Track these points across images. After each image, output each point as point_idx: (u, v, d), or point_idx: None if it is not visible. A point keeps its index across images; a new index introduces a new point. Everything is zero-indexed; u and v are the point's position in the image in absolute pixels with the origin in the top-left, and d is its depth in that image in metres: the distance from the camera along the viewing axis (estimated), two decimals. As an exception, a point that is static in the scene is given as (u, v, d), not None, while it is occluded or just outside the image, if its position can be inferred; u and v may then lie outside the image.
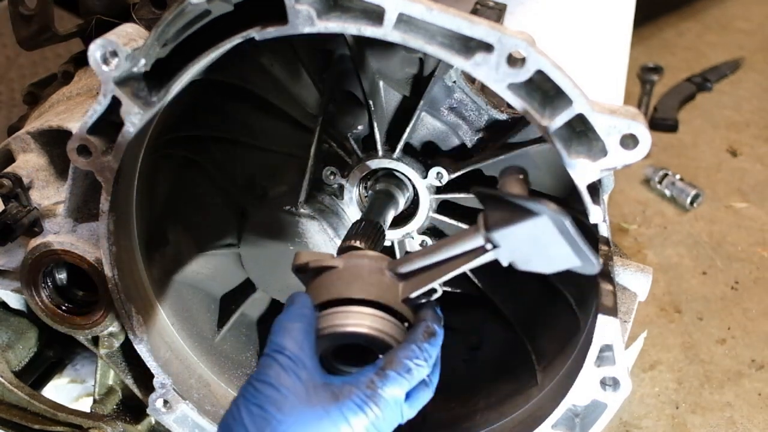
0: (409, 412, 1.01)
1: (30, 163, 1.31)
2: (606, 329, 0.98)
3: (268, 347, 0.99)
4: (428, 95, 1.30)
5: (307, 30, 0.91)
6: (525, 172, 0.99)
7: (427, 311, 1.07)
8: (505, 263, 0.99)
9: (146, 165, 1.22)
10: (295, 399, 0.94)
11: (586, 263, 0.93)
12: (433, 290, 1.08)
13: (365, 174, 1.39)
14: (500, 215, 0.95)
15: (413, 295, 1.06)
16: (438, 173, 1.33)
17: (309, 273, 1.11)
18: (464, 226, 1.40)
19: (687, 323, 1.94)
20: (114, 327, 1.33)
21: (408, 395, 1.00)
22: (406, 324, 1.06)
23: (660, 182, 2.41)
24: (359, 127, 1.40)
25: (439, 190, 1.36)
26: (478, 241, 1.00)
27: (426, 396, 1.04)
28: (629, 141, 0.89)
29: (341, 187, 1.41)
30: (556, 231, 0.90)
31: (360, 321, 1.03)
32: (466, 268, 1.03)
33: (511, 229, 0.94)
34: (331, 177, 1.41)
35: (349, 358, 1.07)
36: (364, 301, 1.04)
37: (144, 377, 1.39)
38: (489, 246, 0.99)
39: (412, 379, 0.98)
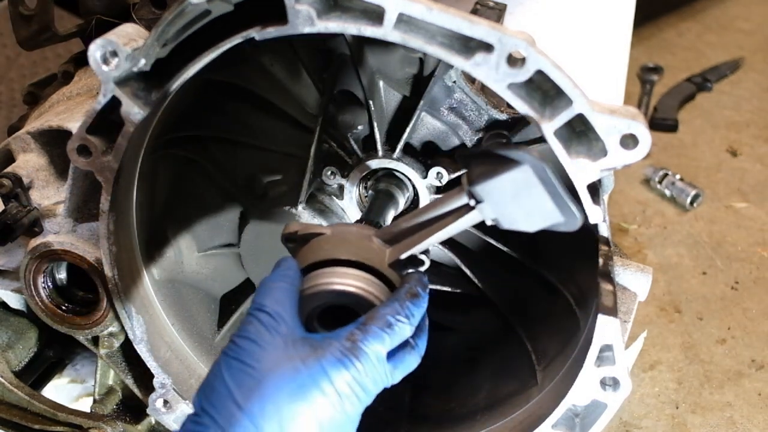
0: (396, 374, 0.99)
1: (30, 163, 1.31)
2: (606, 329, 0.98)
3: (250, 307, 0.99)
4: (428, 95, 1.30)
5: (307, 30, 0.91)
6: (508, 137, 0.99)
7: (412, 276, 1.06)
8: (489, 221, 1.00)
9: (146, 165, 1.22)
10: (273, 351, 0.94)
11: (569, 217, 0.94)
12: (421, 261, 1.09)
13: (365, 174, 1.39)
14: (483, 169, 0.96)
15: (402, 256, 1.06)
16: (438, 173, 1.33)
17: (298, 242, 1.11)
18: (464, 226, 1.40)
19: (687, 323, 1.94)
20: (114, 327, 1.33)
21: (393, 356, 0.99)
22: (393, 290, 1.06)
23: (660, 182, 2.41)
24: (359, 127, 1.40)
25: (439, 190, 1.36)
26: (462, 199, 1.01)
27: (412, 360, 1.02)
28: (629, 141, 0.89)
29: (341, 187, 1.41)
30: (538, 180, 0.91)
31: (344, 280, 1.02)
32: (452, 229, 1.04)
33: (494, 182, 0.95)
34: (331, 177, 1.41)
35: (333, 323, 1.04)
36: (349, 261, 1.04)
37: (144, 377, 1.39)
38: (472, 202, 0.99)
39: (393, 335, 0.97)
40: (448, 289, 1.49)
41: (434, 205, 1.06)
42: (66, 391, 1.71)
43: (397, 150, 1.35)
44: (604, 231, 1.06)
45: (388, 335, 0.96)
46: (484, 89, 1.31)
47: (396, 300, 1.01)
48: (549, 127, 0.90)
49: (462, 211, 1.02)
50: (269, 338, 0.95)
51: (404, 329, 0.98)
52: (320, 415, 0.92)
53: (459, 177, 1.35)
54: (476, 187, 0.97)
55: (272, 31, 0.92)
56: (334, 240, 1.08)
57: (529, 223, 0.98)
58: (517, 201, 0.95)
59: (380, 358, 0.96)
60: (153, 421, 1.51)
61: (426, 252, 1.12)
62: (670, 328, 1.93)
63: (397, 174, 1.37)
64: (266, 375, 0.92)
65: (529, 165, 0.91)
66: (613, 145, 0.89)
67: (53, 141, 1.31)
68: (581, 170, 0.92)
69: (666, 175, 2.41)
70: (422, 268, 1.10)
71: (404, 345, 1.01)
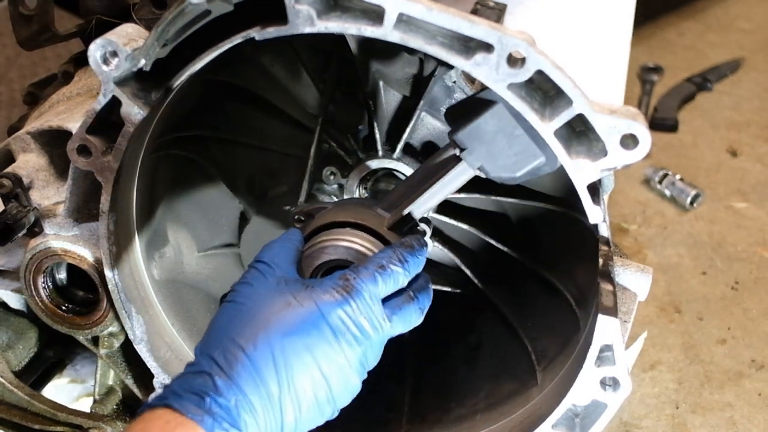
0: (395, 323, 0.99)
1: (30, 163, 1.31)
2: (606, 329, 0.98)
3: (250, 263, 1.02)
4: (428, 95, 1.30)
5: (307, 30, 0.91)
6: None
7: (409, 235, 1.08)
8: (475, 169, 1.04)
9: (146, 165, 1.22)
10: (267, 290, 0.96)
11: (548, 155, 0.97)
12: (423, 231, 1.17)
13: (365, 174, 1.39)
14: (463, 117, 1.00)
15: (405, 212, 1.10)
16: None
17: (305, 219, 1.19)
18: (465, 226, 1.40)
19: (687, 323, 1.94)
20: (114, 327, 1.33)
21: (391, 303, 0.99)
22: None
23: (660, 182, 2.40)
24: (359, 127, 1.40)
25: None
26: (449, 152, 1.06)
27: (412, 311, 1.02)
28: (629, 141, 0.89)
29: (341, 187, 1.41)
30: (511, 116, 0.96)
31: (343, 236, 1.06)
32: (444, 184, 1.08)
33: (474, 125, 0.99)
34: (331, 177, 1.41)
35: None
36: (348, 223, 1.07)
37: (144, 377, 1.39)
38: (458, 151, 1.03)
39: (386, 277, 0.97)
40: (448, 289, 1.49)
41: (426, 165, 1.11)
42: (66, 391, 1.71)
43: (397, 150, 1.35)
44: (604, 231, 1.06)
45: (381, 276, 0.97)
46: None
47: (390, 248, 1.03)
48: (549, 127, 0.90)
49: (451, 164, 1.06)
50: (263, 280, 0.98)
51: (398, 274, 0.99)
52: (315, 350, 0.91)
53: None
54: (459, 134, 1.01)
55: (272, 31, 0.92)
56: (336, 209, 1.13)
57: (513, 167, 1.01)
58: (497, 142, 0.99)
59: (373, 298, 0.96)
60: (153, 421, 1.51)
61: (427, 222, 1.20)
62: (670, 329, 1.92)
63: (397, 174, 1.37)
64: (259, 310, 0.93)
65: (502, 102, 0.95)
66: (613, 145, 0.89)
67: (53, 141, 1.31)
68: (581, 170, 0.92)
69: (666, 175, 2.41)
70: (425, 233, 1.17)
71: (402, 295, 1.02)
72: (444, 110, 1.33)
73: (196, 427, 0.83)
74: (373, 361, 0.98)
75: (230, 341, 0.91)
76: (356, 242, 1.06)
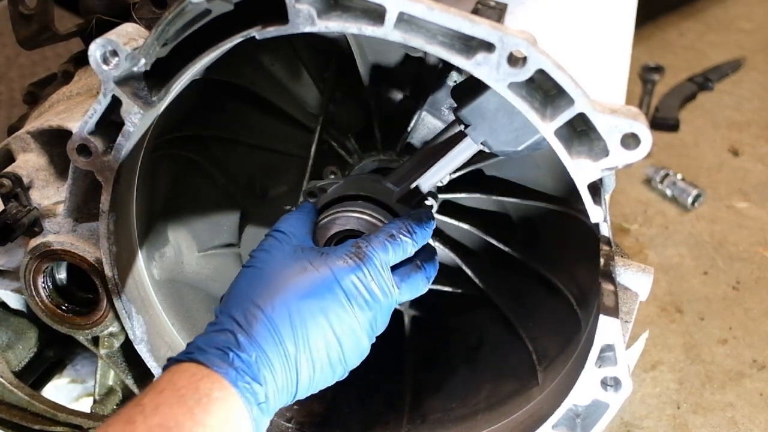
0: (402, 290, 1.06)
1: (30, 162, 1.31)
2: (607, 329, 0.98)
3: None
4: (429, 95, 1.30)
5: (307, 29, 0.90)
6: None
7: (419, 208, 1.16)
8: (479, 144, 1.09)
9: (146, 165, 1.22)
10: (284, 257, 1.02)
11: None
12: (431, 206, 1.24)
13: (366, 174, 1.39)
14: (467, 95, 1.05)
15: (413, 185, 1.17)
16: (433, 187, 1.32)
17: (318, 195, 1.27)
18: (466, 226, 1.40)
19: (688, 323, 1.94)
20: (114, 327, 1.33)
21: (399, 271, 1.06)
22: None
23: (661, 182, 2.40)
24: (360, 127, 1.40)
25: (439, 190, 1.35)
26: (455, 128, 1.13)
27: (419, 280, 1.09)
28: (630, 140, 0.89)
29: (342, 187, 1.41)
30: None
31: (355, 208, 1.13)
32: (450, 159, 1.14)
33: (476, 103, 1.04)
34: (332, 176, 1.41)
35: None
36: (359, 196, 1.16)
37: (144, 377, 1.38)
38: (462, 127, 1.09)
39: (396, 246, 1.04)
40: (449, 289, 1.49)
41: (434, 141, 1.18)
42: (66, 391, 1.71)
43: (398, 150, 1.35)
44: (605, 231, 1.05)
45: (391, 245, 1.03)
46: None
47: (399, 219, 1.10)
48: (550, 126, 0.90)
49: (456, 139, 1.13)
50: (280, 247, 1.04)
51: (406, 243, 1.06)
52: (329, 312, 0.97)
53: (460, 176, 1.35)
54: (463, 111, 1.07)
55: (273, 31, 0.92)
56: (348, 183, 1.22)
57: (515, 141, 1.06)
58: (499, 118, 1.04)
59: (384, 265, 1.02)
60: (153, 422, 1.51)
61: (434, 197, 1.26)
62: (672, 328, 1.92)
63: (397, 174, 1.37)
64: (276, 274, 0.99)
65: None
66: (615, 144, 0.89)
67: (53, 141, 1.31)
68: (582, 170, 0.92)
69: (667, 174, 2.40)
70: (431, 207, 1.24)
71: (410, 264, 1.09)
72: (444, 110, 1.34)
73: (221, 380, 0.88)
74: (381, 325, 1.03)
75: (250, 302, 0.96)
76: (367, 213, 1.13)
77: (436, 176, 1.17)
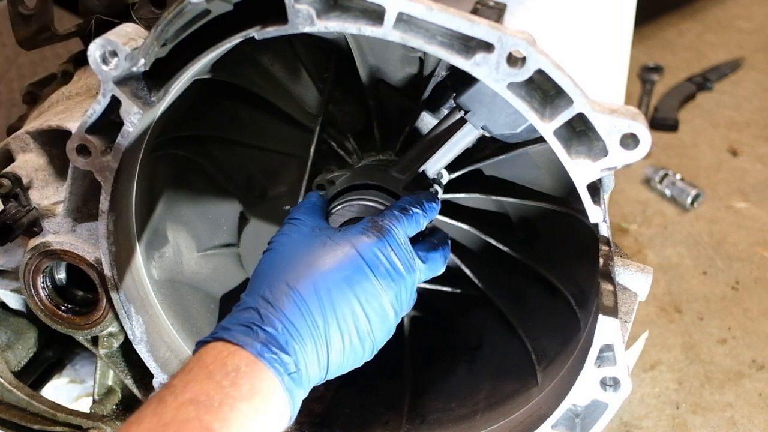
0: (423, 269, 1.08)
1: (29, 162, 1.31)
2: (606, 329, 0.98)
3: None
4: (428, 95, 1.30)
5: (306, 29, 0.90)
6: None
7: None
8: (479, 129, 1.12)
9: (146, 165, 1.22)
10: (301, 236, 1.05)
11: None
12: (436, 191, 1.28)
13: (365, 174, 1.38)
14: (465, 81, 1.08)
15: (420, 169, 1.22)
16: (438, 173, 1.33)
17: (326, 187, 1.31)
18: (465, 226, 1.40)
19: (687, 323, 1.94)
20: (113, 327, 1.33)
21: (418, 249, 1.08)
22: None
23: (660, 182, 2.40)
24: (359, 127, 1.40)
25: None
26: (456, 115, 1.17)
27: (437, 258, 1.11)
28: (630, 141, 0.89)
29: (341, 187, 1.41)
30: None
31: (365, 196, 1.18)
32: (452, 145, 1.19)
33: (475, 89, 1.08)
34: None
35: None
36: (367, 185, 1.20)
37: (144, 377, 1.38)
38: (462, 113, 1.12)
39: (408, 217, 1.08)
40: (448, 289, 1.49)
41: (435, 130, 1.22)
42: (65, 391, 1.71)
43: (397, 149, 1.35)
44: (604, 231, 1.06)
45: (405, 216, 1.07)
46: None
47: (407, 196, 1.15)
48: (549, 126, 0.90)
49: (457, 126, 1.17)
50: (298, 230, 1.06)
51: (418, 215, 1.10)
52: (354, 284, 0.98)
53: (459, 177, 1.35)
54: (462, 97, 1.10)
55: (272, 31, 0.92)
56: (356, 173, 1.26)
57: (513, 124, 1.08)
58: (497, 102, 1.06)
59: (403, 238, 1.05)
60: (153, 422, 1.51)
61: (439, 183, 1.29)
62: (671, 328, 1.92)
63: (397, 174, 1.37)
64: (298, 251, 1.01)
65: None
66: (614, 144, 0.89)
67: (52, 141, 1.31)
68: (581, 170, 0.92)
69: (666, 174, 2.40)
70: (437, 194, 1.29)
71: (427, 243, 1.13)
72: (443, 110, 1.34)
73: (247, 354, 0.89)
74: (406, 302, 1.04)
75: (273, 279, 0.98)
76: (376, 200, 1.18)
77: (439, 163, 1.21)
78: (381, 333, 1.01)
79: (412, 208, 1.10)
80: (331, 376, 0.99)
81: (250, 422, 0.85)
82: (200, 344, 0.93)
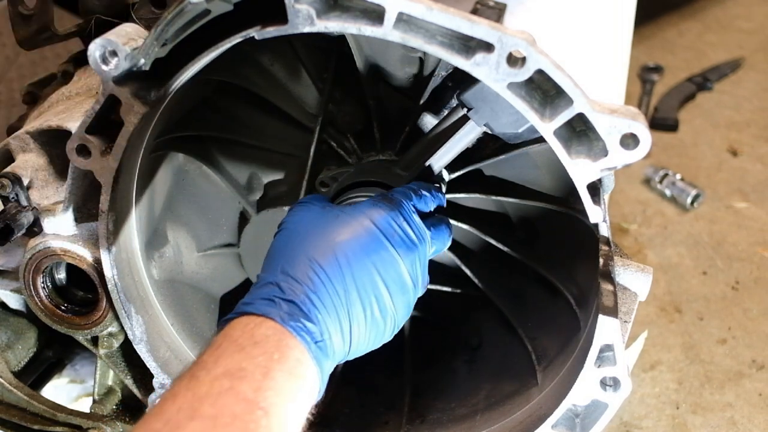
0: (432, 240, 1.09)
1: (29, 162, 1.31)
2: (606, 329, 0.98)
3: None
4: (428, 95, 1.30)
5: (306, 29, 0.90)
6: None
7: None
8: (482, 126, 1.13)
9: (146, 165, 1.22)
10: (312, 215, 1.05)
11: None
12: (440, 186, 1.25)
13: (365, 174, 1.38)
14: (469, 79, 1.06)
15: (422, 164, 1.21)
16: (439, 172, 1.33)
17: (329, 184, 1.31)
18: (465, 226, 1.40)
19: (687, 323, 1.94)
20: (114, 327, 1.33)
21: (426, 222, 1.09)
22: None
23: (660, 182, 2.40)
24: (359, 127, 1.40)
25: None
26: (459, 113, 1.17)
27: (445, 231, 1.14)
28: (629, 141, 0.89)
29: (341, 187, 1.41)
30: None
31: (368, 193, 1.17)
32: (455, 142, 1.19)
33: (478, 87, 1.08)
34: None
35: None
36: (370, 182, 1.20)
37: (144, 377, 1.38)
38: (465, 111, 1.13)
39: (416, 196, 1.10)
40: (448, 289, 1.49)
41: (438, 127, 1.23)
42: (65, 391, 1.71)
43: (397, 149, 1.35)
44: (604, 231, 1.06)
45: (411, 190, 1.10)
46: (484, 89, 1.31)
47: (414, 183, 1.16)
48: (549, 126, 0.90)
49: (460, 123, 1.17)
50: (308, 210, 1.06)
51: (426, 197, 1.12)
52: (371, 253, 0.98)
53: (459, 177, 1.35)
54: (465, 95, 1.11)
55: (272, 31, 0.92)
56: (359, 170, 1.27)
57: (515, 123, 1.09)
58: (499, 101, 1.05)
59: (412, 209, 1.06)
60: (153, 422, 1.50)
61: (441, 180, 1.29)
62: (671, 328, 1.92)
63: (397, 174, 1.37)
64: (311, 226, 1.02)
65: None
66: (614, 144, 0.89)
67: (53, 141, 1.31)
68: (581, 170, 0.92)
69: (666, 175, 2.40)
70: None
71: (431, 219, 1.13)
72: (444, 110, 1.34)
73: (273, 324, 0.89)
74: (421, 274, 1.05)
75: (292, 252, 0.98)
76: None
77: (442, 160, 1.21)
78: (401, 306, 1.01)
79: (420, 189, 1.12)
80: (354, 353, 0.99)
81: (285, 388, 0.85)
82: (224, 322, 0.92)
